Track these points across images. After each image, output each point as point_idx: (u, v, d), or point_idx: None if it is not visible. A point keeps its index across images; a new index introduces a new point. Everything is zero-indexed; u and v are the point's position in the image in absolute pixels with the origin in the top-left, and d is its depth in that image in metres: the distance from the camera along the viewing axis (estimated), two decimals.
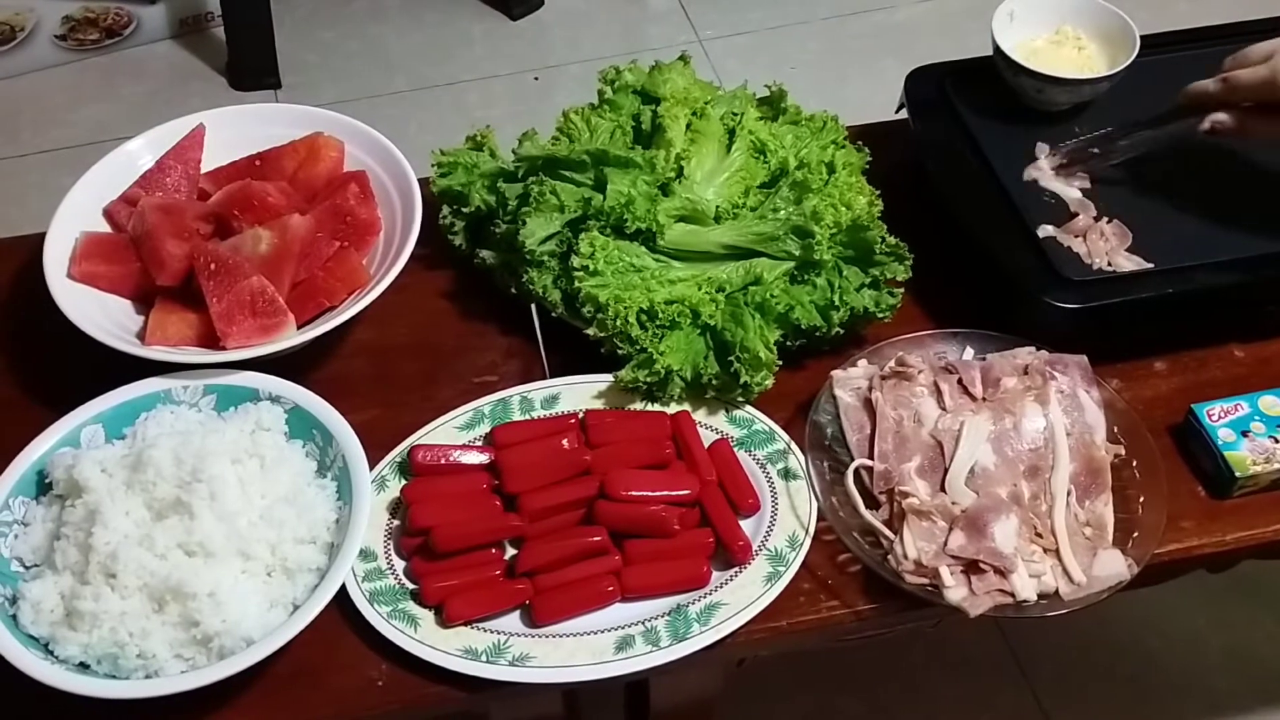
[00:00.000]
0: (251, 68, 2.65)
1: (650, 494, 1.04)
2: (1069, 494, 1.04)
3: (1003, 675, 1.82)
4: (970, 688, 1.80)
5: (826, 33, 2.81)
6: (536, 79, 2.70)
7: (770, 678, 1.78)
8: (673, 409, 1.11)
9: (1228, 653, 1.84)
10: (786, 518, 1.05)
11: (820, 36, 2.80)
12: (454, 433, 1.09)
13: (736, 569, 1.02)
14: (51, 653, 0.94)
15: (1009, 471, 1.05)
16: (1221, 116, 1.16)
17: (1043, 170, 1.24)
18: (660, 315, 1.11)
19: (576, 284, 1.11)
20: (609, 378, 1.12)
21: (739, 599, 1.00)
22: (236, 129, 1.25)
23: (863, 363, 1.13)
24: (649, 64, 1.29)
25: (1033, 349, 1.13)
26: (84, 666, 0.93)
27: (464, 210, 1.21)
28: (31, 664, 0.91)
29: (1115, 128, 1.25)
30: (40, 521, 1.00)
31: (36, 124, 2.57)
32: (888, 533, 1.03)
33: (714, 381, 1.11)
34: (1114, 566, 1.01)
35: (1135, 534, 1.03)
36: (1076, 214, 1.20)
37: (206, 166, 1.24)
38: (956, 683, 1.81)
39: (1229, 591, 1.87)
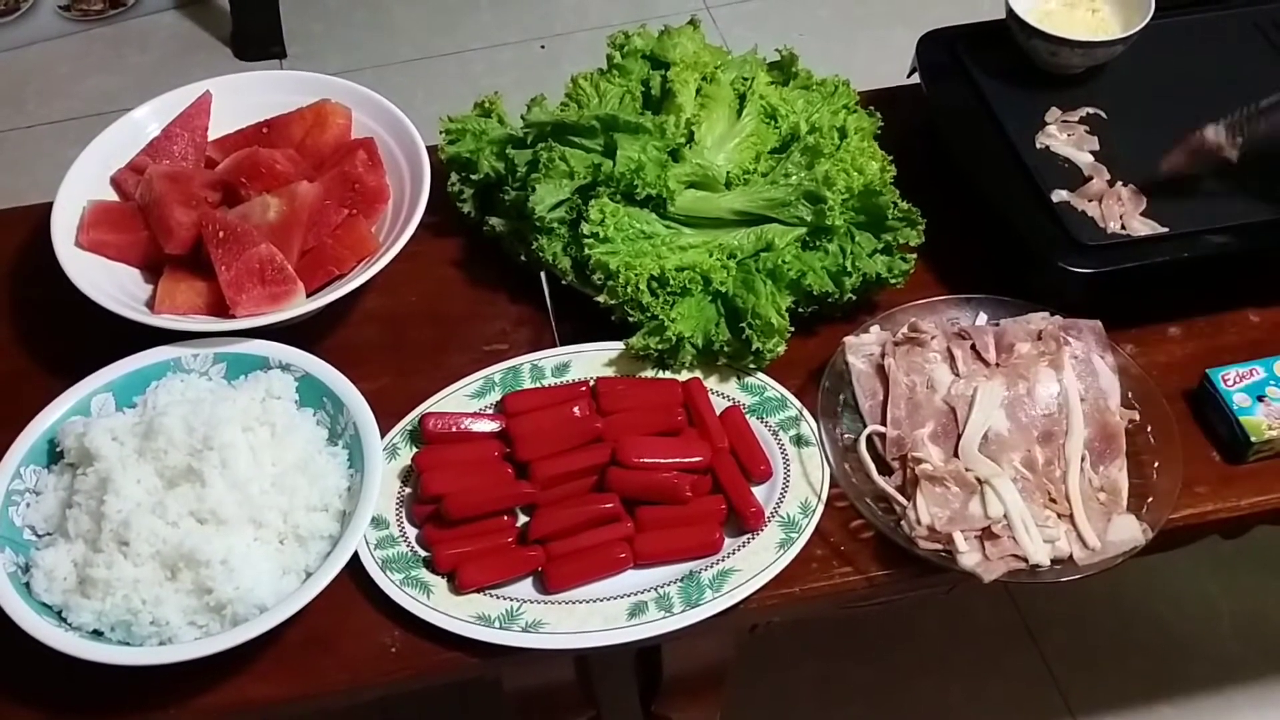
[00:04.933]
0: (256, 38, 2.63)
1: (662, 461, 1.04)
2: (1083, 459, 1.04)
3: (1013, 642, 1.82)
4: (981, 655, 1.80)
5: None
6: (543, 47, 2.68)
7: (782, 645, 1.78)
8: (684, 376, 1.11)
9: (1239, 619, 1.84)
10: (799, 484, 1.04)
11: (829, 3, 2.77)
12: (465, 401, 1.09)
13: (749, 535, 1.02)
14: (65, 620, 0.94)
15: (1023, 437, 1.05)
16: None
17: (1055, 135, 1.23)
18: (671, 282, 1.10)
19: (586, 251, 1.10)
20: (620, 345, 1.12)
21: (751, 565, 1.00)
22: (243, 96, 1.25)
23: (875, 329, 1.13)
24: (657, 30, 1.28)
25: (1047, 314, 1.12)
26: (97, 634, 0.94)
27: (473, 177, 1.20)
28: (45, 631, 0.91)
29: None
30: (52, 490, 1.00)
31: (42, 95, 2.56)
32: (900, 499, 1.02)
33: (725, 348, 1.10)
34: (1128, 531, 1.00)
35: (1150, 499, 1.02)
36: (1090, 178, 1.19)
37: (213, 134, 1.23)
38: (967, 650, 1.81)
39: (1241, 558, 1.86)
